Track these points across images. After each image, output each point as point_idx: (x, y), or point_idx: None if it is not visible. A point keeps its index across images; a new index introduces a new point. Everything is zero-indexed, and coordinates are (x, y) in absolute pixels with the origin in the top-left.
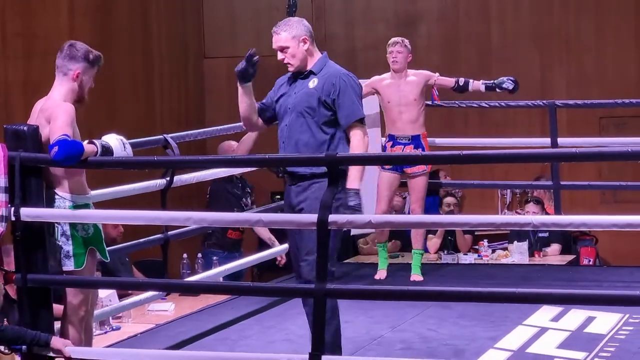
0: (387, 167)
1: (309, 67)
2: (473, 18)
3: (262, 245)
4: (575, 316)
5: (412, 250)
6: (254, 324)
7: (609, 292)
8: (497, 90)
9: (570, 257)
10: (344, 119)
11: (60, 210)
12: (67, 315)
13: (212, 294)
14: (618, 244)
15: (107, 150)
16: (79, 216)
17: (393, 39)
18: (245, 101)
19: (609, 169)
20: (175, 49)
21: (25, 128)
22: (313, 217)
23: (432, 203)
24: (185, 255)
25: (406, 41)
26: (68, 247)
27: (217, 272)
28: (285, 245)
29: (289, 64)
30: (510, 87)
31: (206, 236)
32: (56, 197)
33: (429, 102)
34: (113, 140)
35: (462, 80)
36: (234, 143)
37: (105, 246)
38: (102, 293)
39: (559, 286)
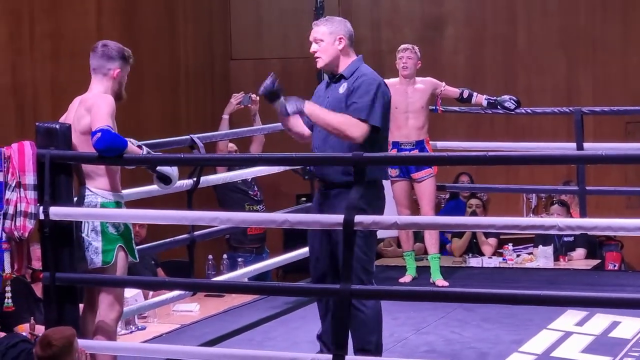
0: (394, 175)
1: (340, 70)
2: (500, 20)
3: (287, 246)
4: (600, 321)
5: (429, 256)
6: (279, 326)
7: (634, 296)
8: (499, 107)
9: (595, 262)
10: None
11: (88, 209)
12: (101, 316)
13: (239, 293)
14: None
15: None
16: (107, 215)
17: (403, 45)
18: (283, 121)
19: (635, 173)
20: (202, 51)
21: (57, 126)
22: (339, 218)
23: (455, 207)
24: (210, 257)
25: (416, 48)
26: (97, 243)
27: (242, 272)
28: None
29: (319, 57)
30: (512, 107)
31: (229, 239)
32: (88, 192)
33: (431, 107)
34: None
35: (466, 92)
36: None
37: (134, 246)
38: (128, 293)
39: (584, 290)
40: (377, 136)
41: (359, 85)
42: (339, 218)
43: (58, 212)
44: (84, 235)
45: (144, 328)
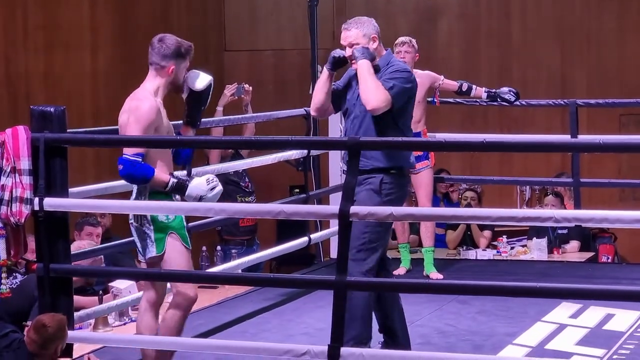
0: None
1: (374, 63)
2: (494, 13)
3: (280, 238)
4: (594, 313)
5: (423, 249)
6: (272, 318)
7: (628, 288)
8: (498, 100)
9: (589, 254)
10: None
11: (82, 200)
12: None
13: (233, 284)
14: (637, 241)
15: (180, 186)
16: (102, 206)
17: (401, 39)
18: (326, 87)
19: (628, 166)
20: (196, 42)
21: (51, 109)
22: (334, 209)
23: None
24: (204, 248)
25: (414, 41)
26: (151, 232)
27: (235, 264)
28: (304, 239)
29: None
30: (512, 99)
31: (220, 230)
32: (136, 187)
33: (429, 99)
34: (200, 182)
35: (465, 85)
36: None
37: (187, 233)
38: (122, 284)
39: (578, 283)
40: (396, 121)
41: (392, 70)
42: (335, 209)
43: (52, 203)
44: (141, 226)
45: None
